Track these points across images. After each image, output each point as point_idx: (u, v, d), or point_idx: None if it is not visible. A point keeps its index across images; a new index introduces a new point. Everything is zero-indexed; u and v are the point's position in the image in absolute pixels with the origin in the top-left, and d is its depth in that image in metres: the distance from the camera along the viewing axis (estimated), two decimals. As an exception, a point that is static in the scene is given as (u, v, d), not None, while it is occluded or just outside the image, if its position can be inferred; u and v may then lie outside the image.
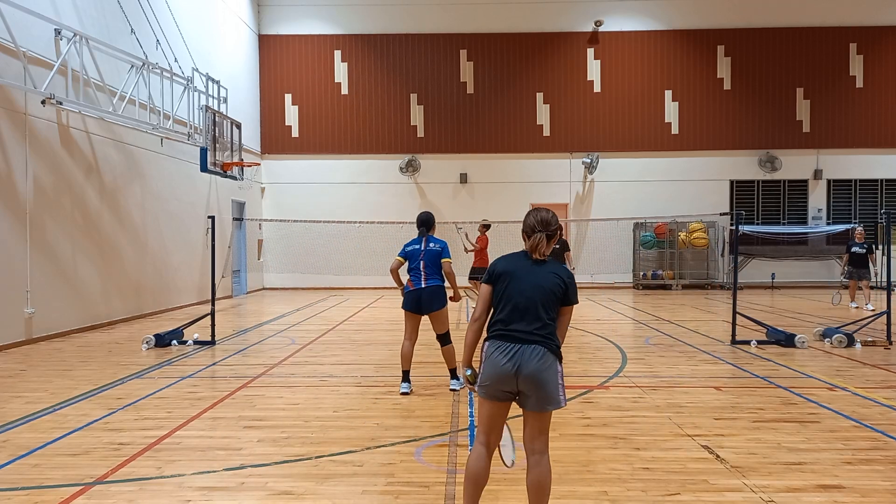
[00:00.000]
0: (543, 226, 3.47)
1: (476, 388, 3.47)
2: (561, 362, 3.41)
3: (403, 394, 6.64)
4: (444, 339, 6.87)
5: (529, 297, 3.37)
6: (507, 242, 20.14)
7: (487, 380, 3.39)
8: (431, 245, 6.84)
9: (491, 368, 3.37)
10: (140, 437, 5.22)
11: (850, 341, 9.38)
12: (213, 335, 9.93)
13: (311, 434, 5.30)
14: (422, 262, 6.78)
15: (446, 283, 6.88)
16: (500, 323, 3.42)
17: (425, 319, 6.87)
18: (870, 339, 9.66)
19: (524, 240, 3.53)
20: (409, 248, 6.90)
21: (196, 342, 9.79)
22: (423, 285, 6.74)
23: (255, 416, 5.88)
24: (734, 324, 9.86)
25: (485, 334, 3.54)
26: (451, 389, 6.82)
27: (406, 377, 6.77)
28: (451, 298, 6.98)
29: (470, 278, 14.26)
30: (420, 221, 7.01)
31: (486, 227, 14.36)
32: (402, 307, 6.90)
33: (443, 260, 6.79)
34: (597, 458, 4.68)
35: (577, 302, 3.46)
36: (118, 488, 4.18)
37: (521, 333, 3.34)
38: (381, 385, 7.16)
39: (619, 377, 7.43)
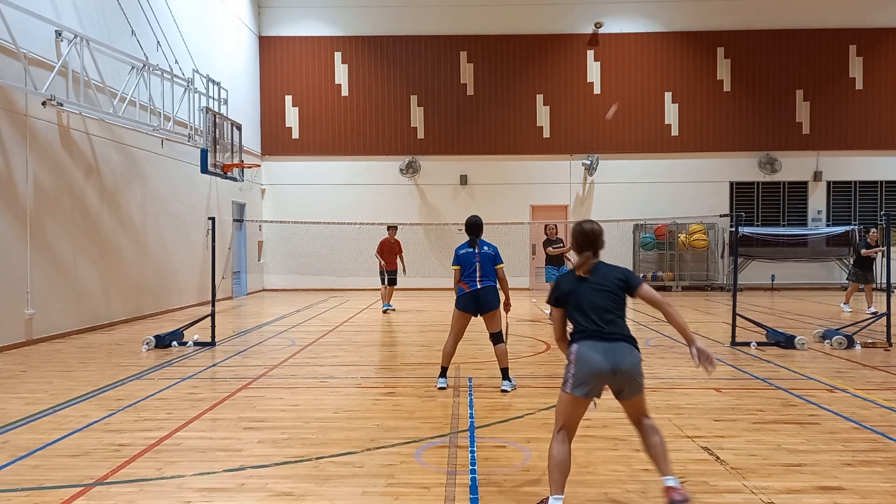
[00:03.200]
0: (591, 243, 4.01)
1: (572, 391, 3.74)
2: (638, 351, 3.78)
3: (441, 388, 6.87)
4: (497, 337, 6.95)
5: (597, 301, 3.77)
6: (508, 243, 20.17)
7: (586, 380, 3.72)
8: (486, 249, 7.00)
9: (588, 368, 3.70)
10: (140, 438, 5.22)
11: (850, 343, 9.38)
12: (213, 336, 9.93)
13: (312, 435, 5.30)
14: (478, 265, 6.92)
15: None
16: (581, 328, 3.76)
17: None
18: (870, 340, 9.66)
19: (574, 248, 4.04)
20: (462, 253, 7.03)
21: (196, 343, 9.79)
22: (478, 286, 6.86)
23: (256, 417, 5.88)
24: (734, 325, 9.86)
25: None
26: (503, 391, 6.81)
27: (444, 373, 7.03)
28: (504, 304, 7.10)
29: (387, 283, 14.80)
30: (470, 226, 7.16)
31: (393, 228, 15.08)
32: (457, 307, 7.01)
33: (496, 266, 6.97)
34: (596, 460, 4.68)
35: (640, 283, 3.86)
36: (118, 489, 4.19)
37: (606, 334, 3.69)
38: (381, 386, 7.17)
39: (619, 378, 7.42)
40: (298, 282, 20.69)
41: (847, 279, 16.48)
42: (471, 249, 6.99)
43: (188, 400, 6.50)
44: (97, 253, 11.95)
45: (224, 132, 14.07)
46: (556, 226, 13.68)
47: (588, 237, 4.01)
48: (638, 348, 3.76)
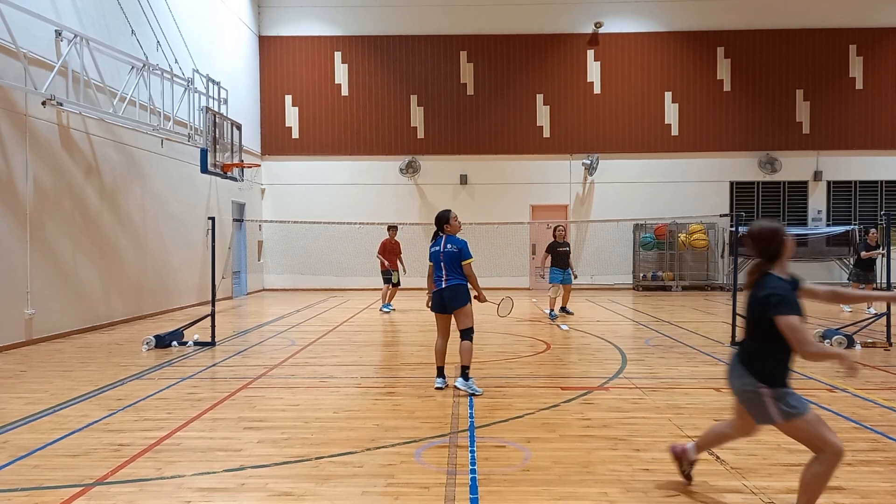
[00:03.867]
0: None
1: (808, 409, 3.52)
2: (765, 383, 3.54)
3: (438, 388, 6.83)
4: (464, 334, 6.82)
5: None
6: (508, 243, 20.21)
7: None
8: (449, 246, 6.84)
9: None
10: (140, 438, 5.22)
11: (850, 343, 9.38)
12: (213, 336, 9.93)
13: (311, 435, 5.30)
14: (442, 264, 6.84)
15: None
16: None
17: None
18: (870, 340, 9.66)
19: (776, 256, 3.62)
20: (432, 251, 6.98)
21: (196, 343, 9.79)
22: (443, 285, 6.80)
23: (256, 417, 5.88)
24: (734, 325, 9.86)
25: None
26: (455, 386, 6.76)
27: (440, 373, 6.96)
28: (476, 299, 6.97)
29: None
30: (435, 220, 7.03)
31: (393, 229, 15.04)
32: (429, 308, 7.03)
33: (462, 263, 6.79)
34: (597, 460, 4.68)
35: (775, 314, 3.45)
36: (118, 489, 4.19)
37: None
38: (381, 386, 7.17)
39: (619, 378, 7.43)
40: (298, 281, 20.69)
41: (848, 279, 16.41)
42: (437, 248, 6.91)
43: (188, 400, 6.50)
44: (97, 253, 11.95)
45: (224, 132, 14.06)
46: (564, 228, 13.65)
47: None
48: (759, 377, 3.63)
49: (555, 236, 13.28)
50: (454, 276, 6.79)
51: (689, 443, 3.87)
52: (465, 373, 6.74)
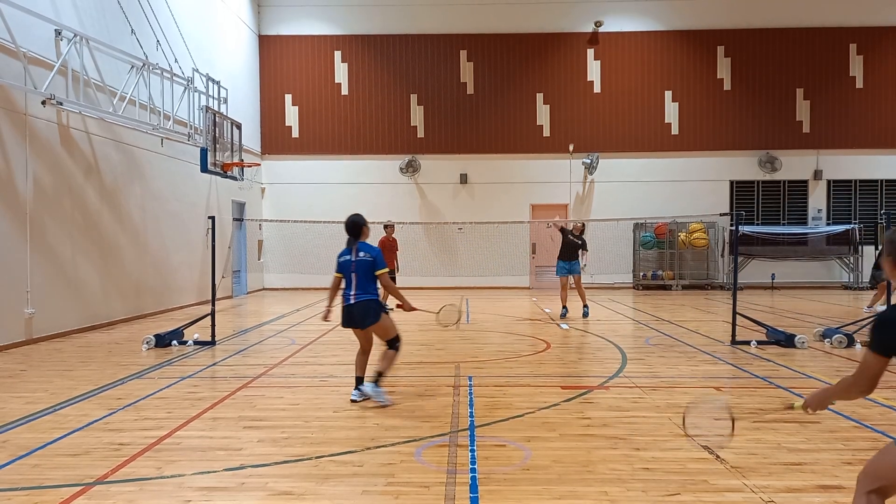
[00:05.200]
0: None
1: None
2: None
3: (353, 401, 6.27)
4: (390, 344, 6.32)
5: None
6: (508, 243, 20.20)
7: None
8: (362, 254, 6.18)
9: None
10: (140, 437, 5.22)
11: (850, 342, 9.38)
12: (213, 335, 9.93)
13: (312, 434, 5.30)
14: (353, 275, 6.17)
15: (381, 295, 6.37)
16: None
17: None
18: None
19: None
20: (341, 260, 6.30)
21: (196, 342, 9.78)
22: (352, 301, 6.18)
23: (256, 416, 5.88)
24: (734, 324, 9.86)
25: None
26: (352, 400, 6.22)
27: (357, 383, 6.34)
28: (401, 308, 6.46)
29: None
30: (347, 226, 6.31)
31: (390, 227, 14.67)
32: (326, 320, 6.56)
33: (376, 273, 6.17)
34: (597, 459, 4.68)
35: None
36: (118, 488, 4.18)
37: None
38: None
39: (619, 377, 7.43)
40: (298, 281, 20.66)
41: (869, 282, 16.27)
42: (348, 257, 6.23)
43: (188, 399, 6.50)
44: (97, 252, 11.94)
45: (224, 131, 14.06)
46: (583, 224, 13.67)
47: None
48: None
49: (572, 227, 13.30)
50: (363, 290, 6.14)
51: None
52: (377, 378, 6.20)
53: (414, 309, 6.49)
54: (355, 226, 6.34)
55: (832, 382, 7.01)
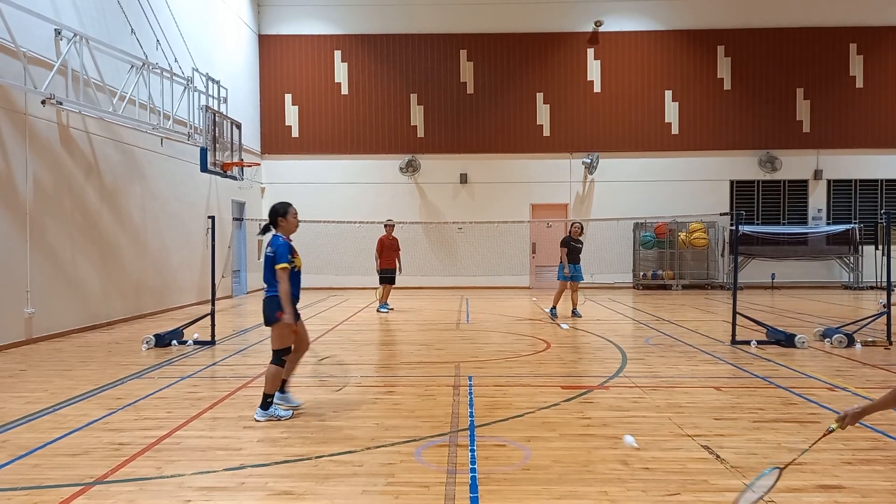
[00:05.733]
0: None
1: None
2: None
3: (256, 420, 5.70)
4: (273, 355, 5.72)
5: None
6: (508, 243, 20.20)
7: None
8: (269, 249, 5.68)
9: None
10: (140, 437, 5.22)
11: (850, 341, 9.38)
12: (213, 335, 9.93)
13: (311, 434, 5.30)
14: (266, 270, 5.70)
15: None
16: None
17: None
18: (870, 339, 9.65)
19: None
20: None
21: (196, 342, 9.78)
22: (265, 296, 5.73)
23: (255, 416, 5.87)
24: (734, 324, 9.86)
25: None
26: (256, 419, 5.65)
27: (281, 388, 5.91)
28: (277, 314, 5.60)
29: (380, 281, 14.53)
30: (269, 213, 5.84)
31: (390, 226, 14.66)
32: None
33: (276, 267, 5.56)
34: (597, 458, 4.68)
35: None
36: (118, 488, 4.18)
37: None
38: (380, 385, 7.16)
39: (619, 377, 7.43)
40: (298, 280, 20.63)
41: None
42: (267, 249, 5.73)
43: (188, 399, 6.50)
44: (97, 252, 11.94)
45: (224, 131, 14.05)
46: (581, 225, 13.64)
47: None
48: None
49: (571, 232, 13.28)
50: (269, 286, 5.66)
51: None
52: (264, 401, 5.67)
53: (291, 326, 5.62)
54: (271, 214, 5.82)
55: (832, 382, 7.03)
